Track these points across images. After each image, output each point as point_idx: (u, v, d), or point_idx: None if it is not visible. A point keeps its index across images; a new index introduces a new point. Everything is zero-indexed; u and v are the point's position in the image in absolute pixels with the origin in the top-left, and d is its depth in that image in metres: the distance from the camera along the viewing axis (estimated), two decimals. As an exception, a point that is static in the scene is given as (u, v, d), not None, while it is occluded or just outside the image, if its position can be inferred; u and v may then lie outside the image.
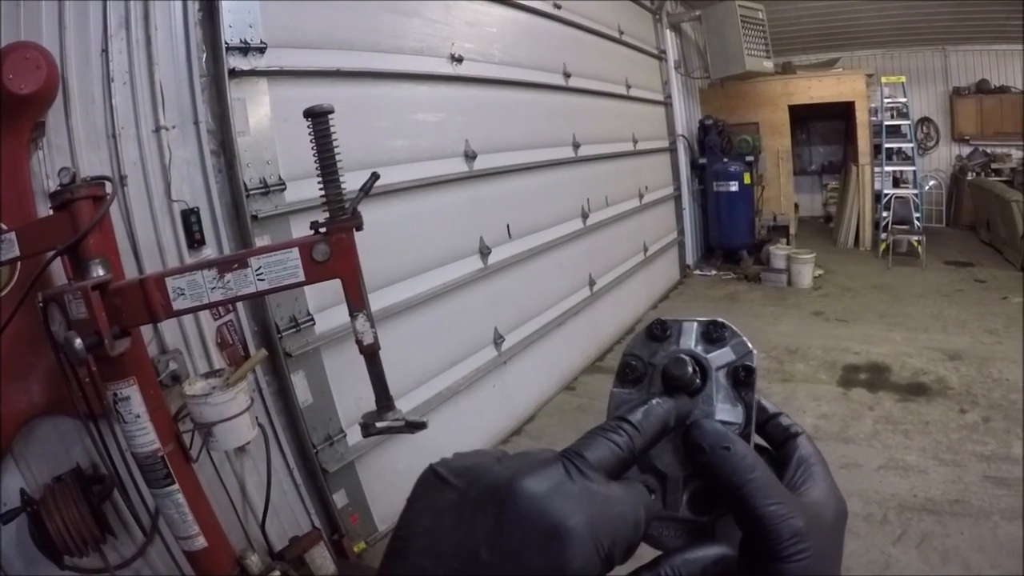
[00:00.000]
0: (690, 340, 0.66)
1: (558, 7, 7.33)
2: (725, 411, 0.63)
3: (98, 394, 2.66)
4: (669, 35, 11.35)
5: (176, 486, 2.64)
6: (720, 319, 0.66)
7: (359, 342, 2.29)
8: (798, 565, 0.53)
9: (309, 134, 2.22)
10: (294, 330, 4.09)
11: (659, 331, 0.67)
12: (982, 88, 14.19)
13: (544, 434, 6.09)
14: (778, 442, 0.66)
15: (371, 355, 2.33)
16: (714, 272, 11.65)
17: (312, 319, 4.19)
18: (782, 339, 8.09)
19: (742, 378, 0.64)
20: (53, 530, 2.82)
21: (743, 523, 0.56)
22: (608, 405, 0.66)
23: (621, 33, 9.28)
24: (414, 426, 2.35)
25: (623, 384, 0.66)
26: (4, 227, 2.72)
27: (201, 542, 2.76)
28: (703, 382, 0.63)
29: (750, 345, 0.65)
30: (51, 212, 2.49)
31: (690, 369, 0.61)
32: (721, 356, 0.65)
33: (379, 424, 2.34)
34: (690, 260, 11.92)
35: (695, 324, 0.67)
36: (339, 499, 4.40)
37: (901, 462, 5.06)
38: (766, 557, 0.54)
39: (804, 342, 7.93)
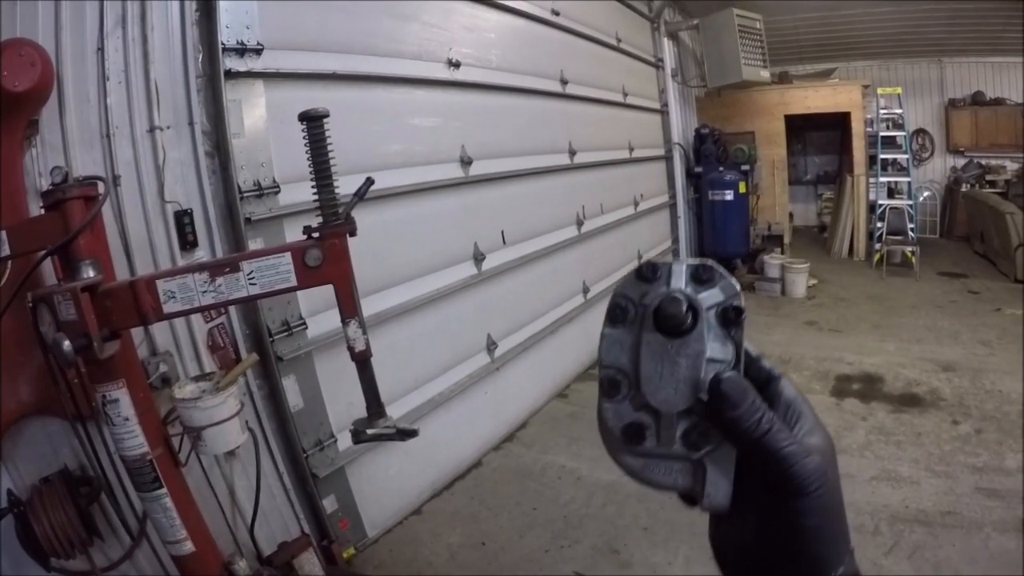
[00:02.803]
0: (680, 281, 0.67)
1: (556, 14, 7.33)
2: (715, 349, 0.65)
3: (87, 395, 2.64)
4: (667, 43, 11.34)
5: (164, 490, 2.61)
6: (709, 262, 0.67)
7: (351, 348, 2.27)
8: (820, 494, 0.62)
9: (304, 138, 2.20)
10: (286, 334, 4.07)
11: (649, 273, 0.68)
12: (977, 100, 14.26)
13: (536, 441, 6.06)
14: (760, 382, 0.69)
15: (363, 362, 2.31)
16: (708, 280, 11.58)
17: (304, 323, 4.17)
18: (775, 348, 8.08)
19: (732, 318, 0.65)
20: (40, 532, 2.79)
21: (766, 465, 0.62)
22: (599, 346, 0.68)
23: (619, 41, 9.28)
24: (405, 434, 2.33)
25: (613, 325, 0.68)
26: (-6, 226, 2.70)
27: (189, 547, 2.73)
28: (694, 322, 0.64)
29: (738, 286, 0.67)
30: (43, 211, 2.47)
31: (684, 306, 0.63)
32: (711, 296, 0.66)
33: (370, 431, 2.32)
34: (684, 268, 11.83)
35: (684, 266, 0.68)
36: (329, 504, 4.38)
37: (893, 473, 5.05)
38: (791, 494, 0.62)
39: (797, 352, 7.94)
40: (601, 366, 0.68)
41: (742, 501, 0.66)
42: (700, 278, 0.67)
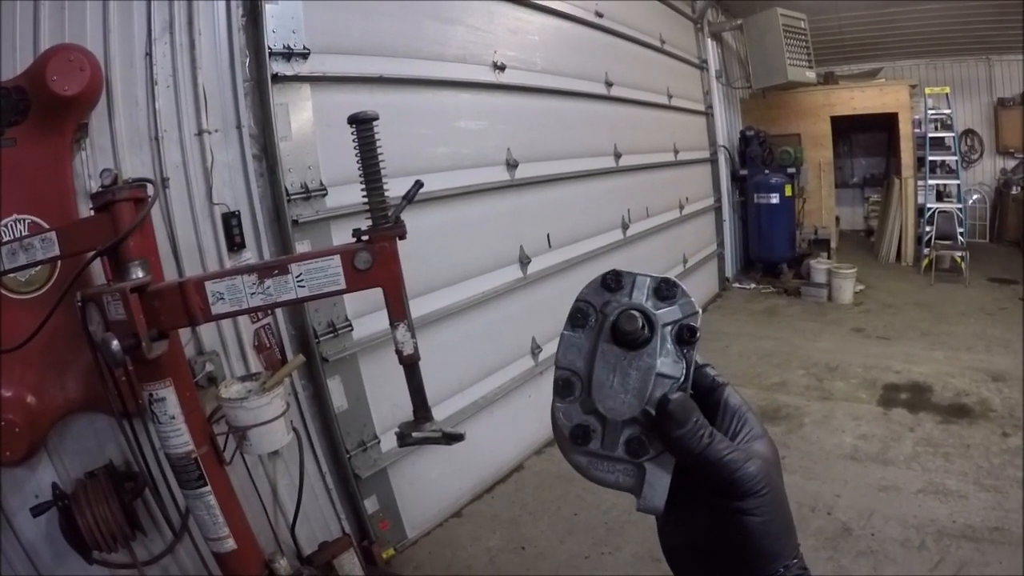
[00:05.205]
0: (642, 295, 0.70)
1: (600, 16, 7.29)
2: (667, 365, 0.68)
3: (134, 393, 2.66)
4: (710, 44, 11.27)
5: (208, 488, 2.63)
6: (672, 278, 0.70)
7: (399, 352, 2.25)
8: (765, 494, 0.66)
9: (353, 140, 2.19)
10: (332, 335, 4.08)
11: (613, 282, 0.71)
12: (1027, 99, 13.83)
13: (577, 445, 5.99)
14: (704, 389, 0.74)
15: (410, 366, 2.28)
16: (753, 285, 11.48)
17: (350, 325, 4.18)
18: (822, 356, 7.93)
19: (686, 338, 0.68)
20: (83, 525, 2.84)
21: (709, 473, 0.66)
22: (558, 346, 0.71)
23: (663, 42, 9.21)
24: (451, 438, 2.30)
25: (573, 328, 0.71)
26: (45, 226, 2.73)
27: (230, 544, 2.74)
28: (650, 336, 0.68)
29: (697, 307, 0.70)
30: (92, 213, 2.49)
31: (640, 324, 0.67)
32: (669, 313, 0.69)
33: (416, 434, 2.30)
34: (729, 273, 11.78)
35: (648, 279, 0.71)
36: (370, 505, 4.40)
37: (941, 486, 4.89)
38: (737, 496, 0.66)
39: (844, 359, 7.76)
40: (557, 366, 0.71)
41: (691, 503, 0.71)
42: (662, 294, 0.70)
